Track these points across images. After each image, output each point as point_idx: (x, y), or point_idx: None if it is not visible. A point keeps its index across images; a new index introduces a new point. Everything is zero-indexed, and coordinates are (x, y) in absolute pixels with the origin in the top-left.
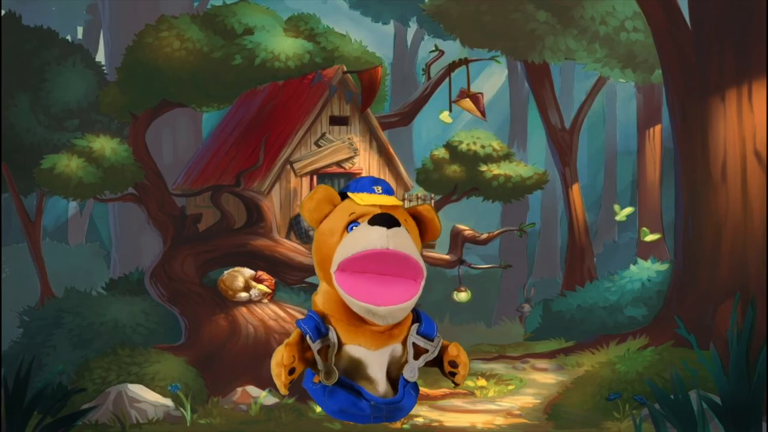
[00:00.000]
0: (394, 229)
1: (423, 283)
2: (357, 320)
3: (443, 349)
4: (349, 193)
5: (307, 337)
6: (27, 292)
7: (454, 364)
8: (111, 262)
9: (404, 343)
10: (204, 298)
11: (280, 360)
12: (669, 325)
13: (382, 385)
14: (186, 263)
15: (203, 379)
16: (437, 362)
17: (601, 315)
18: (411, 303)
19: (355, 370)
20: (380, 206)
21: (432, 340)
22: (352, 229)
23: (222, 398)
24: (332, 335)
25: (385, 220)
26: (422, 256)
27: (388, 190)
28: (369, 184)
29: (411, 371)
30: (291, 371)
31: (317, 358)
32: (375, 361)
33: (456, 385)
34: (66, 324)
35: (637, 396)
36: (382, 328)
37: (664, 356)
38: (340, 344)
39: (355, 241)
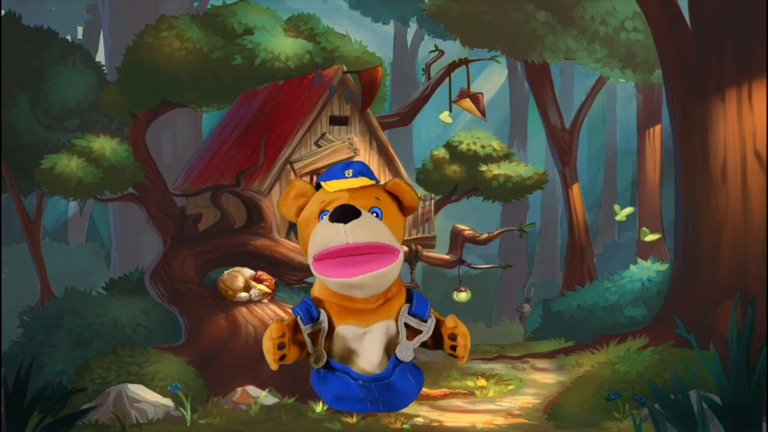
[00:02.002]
0: (352, 223)
1: (401, 255)
2: (347, 301)
3: (441, 325)
4: (321, 182)
5: (298, 319)
6: (27, 292)
7: (453, 336)
8: (111, 262)
9: (397, 322)
10: (204, 298)
11: (270, 334)
12: (669, 325)
13: (375, 363)
14: (186, 263)
15: (203, 379)
16: (437, 341)
17: (601, 315)
18: (388, 270)
19: (348, 351)
20: (348, 190)
21: (425, 321)
22: (322, 217)
23: (222, 398)
24: (323, 318)
25: (342, 215)
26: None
27: (360, 171)
28: (340, 169)
29: (403, 351)
30: (281, 346)
31: (307, 340)
32: (367, 339)
33: (459, 359)
34: (66, 324)
35: (637, 396)
36: (371, 305)
37: (664, 356)
38: (332, 327)
39: (317, 239)
